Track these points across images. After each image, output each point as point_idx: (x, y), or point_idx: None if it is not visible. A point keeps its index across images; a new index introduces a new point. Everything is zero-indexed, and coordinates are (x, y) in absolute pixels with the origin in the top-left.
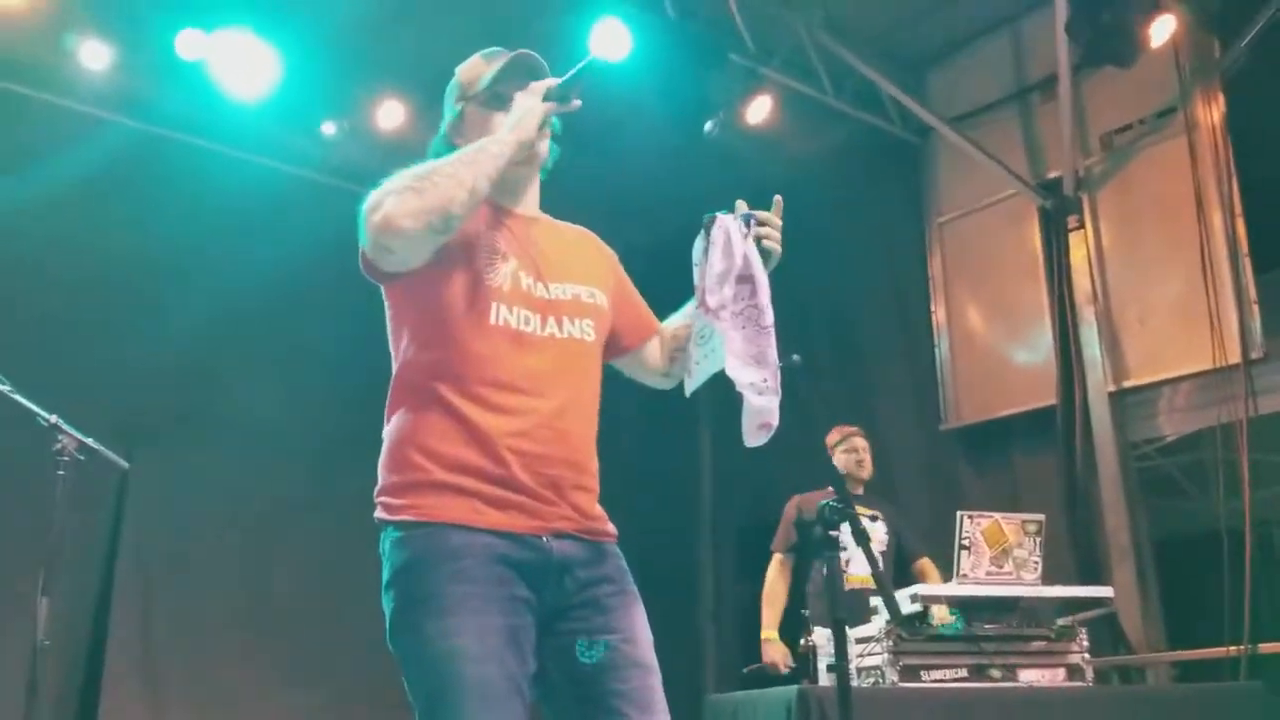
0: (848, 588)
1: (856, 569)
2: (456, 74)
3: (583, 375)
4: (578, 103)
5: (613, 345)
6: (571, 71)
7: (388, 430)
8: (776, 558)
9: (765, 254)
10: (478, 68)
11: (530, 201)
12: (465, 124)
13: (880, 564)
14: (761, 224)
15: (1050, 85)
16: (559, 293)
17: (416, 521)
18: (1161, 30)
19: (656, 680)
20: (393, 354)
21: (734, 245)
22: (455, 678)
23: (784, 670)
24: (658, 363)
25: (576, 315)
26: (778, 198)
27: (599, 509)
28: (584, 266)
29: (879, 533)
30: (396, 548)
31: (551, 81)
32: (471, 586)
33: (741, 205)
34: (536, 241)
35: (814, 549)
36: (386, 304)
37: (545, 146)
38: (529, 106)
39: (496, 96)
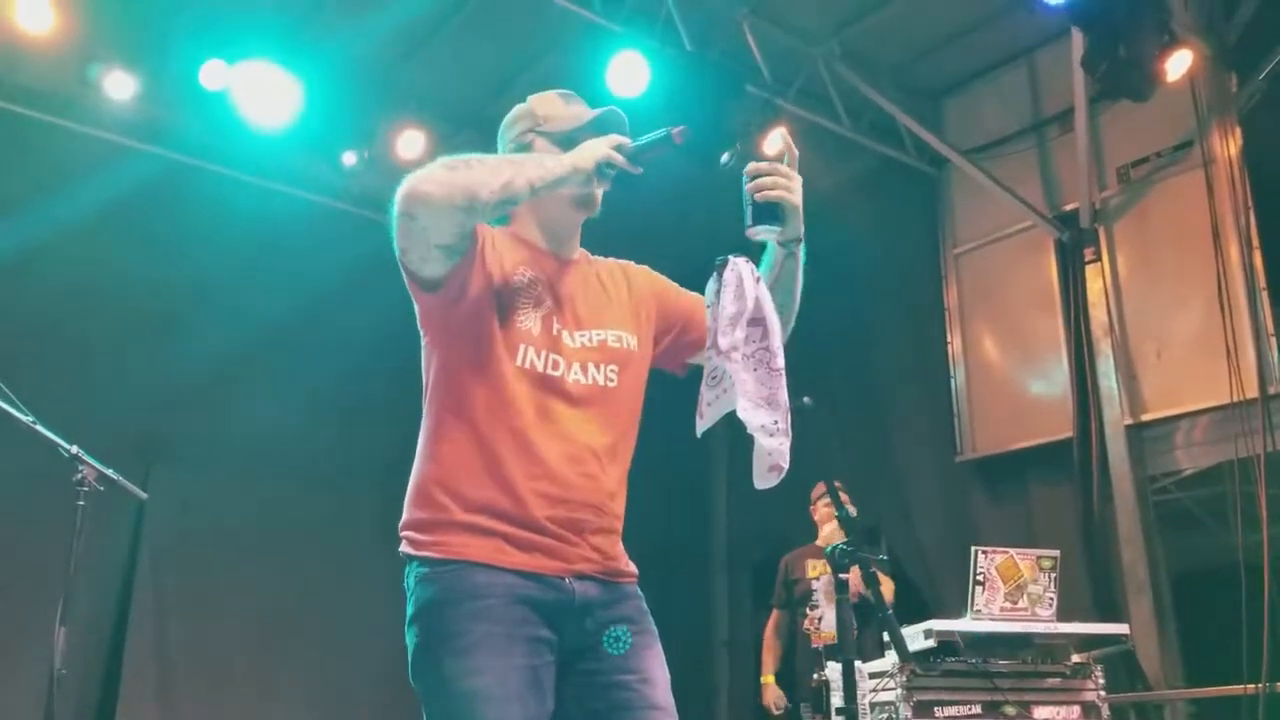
0: (819, 644)
1: (828, 626)
2: (529, 103)
3: (609, 421)
4: (640, 170)
5: (682, 351)
6: (648, 138)
7: (415, 464)
8: (774, 612)
9: (775, 209)
10: (556, 105)
11: (572, 246)
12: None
13: (889, 607)
14: (758, 175)
15: (1067, 118)
16: (584, 340)
17: (441, 559)
18: (1178, 64)
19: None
20: (423, 385)
21: (746, 288)
22: (475, 718)
23: (776, 712)
24: None
25: (602, 361)
26: (781, 130)
27: (620, 549)
28: (616, 309)
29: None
30: (421, 584)
31: (626, 140)
32: (494, 626)
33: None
34: (572, 287)
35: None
36: (422, 333)
37: (598, 198)
38: (594, 143)
39: (571, 141)
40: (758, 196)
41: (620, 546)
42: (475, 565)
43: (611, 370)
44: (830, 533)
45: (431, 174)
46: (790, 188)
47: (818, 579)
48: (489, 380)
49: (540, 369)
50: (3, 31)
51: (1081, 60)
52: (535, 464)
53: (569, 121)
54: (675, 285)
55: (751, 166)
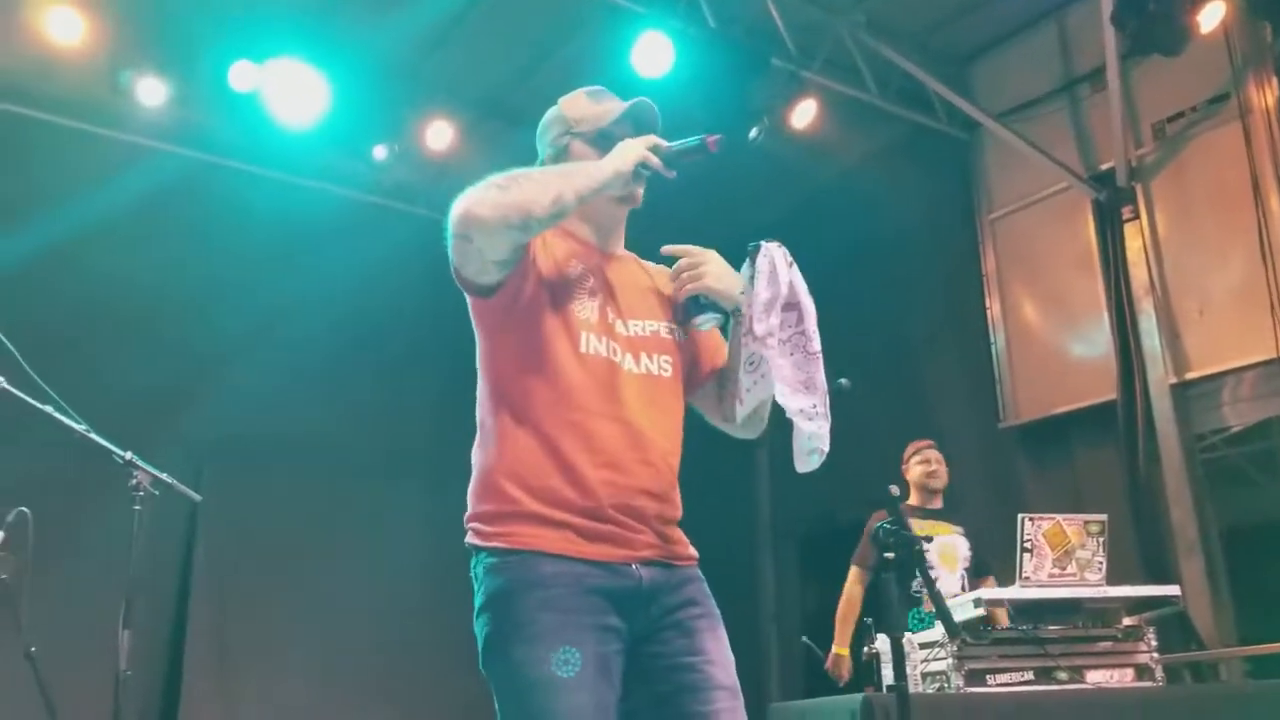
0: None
1: (943, 587)
2: (560, 107)
3: (664, 408)
4: (673, 174)
5: (690, 378)
6: (685, 143)
7: (478, 456)
8: (854, 570)
9: (698, 299)
10: (585, 104)
11: (618, 241)
12: (570, 158)
13: (935, 583)
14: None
15: (1098, 76)
16: (637, 329)
17: (509, 549)
18: (1211, 16)
19: (739, 703)
20: (480, 378)
21: (779, 273)
22: (546, 706)
23: (842, 683)
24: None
25: (655, 351)
26: (664, 249)
27: (679, 533)
28: (663, 303)
29: (961, 549)
30: (489, 574)
31: (662, 141)
32: (562, 615)
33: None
34: (621, 279)
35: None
36: (477, 331)
37: (640, 193)
38: (631, 143)
39: (605, 136)
40: (681, 295)
41: (680, 533)
42: (543, 555)
43: (665, 360)
44: (924, 495)
45: (484, 196)
46: (699, 275)
47: (929, 540)
48: (551, 371)
49: (604, 354)
50: (34, 43)
51: (1111, 17)
52: (599, 452)
53: (601, 119)
54: None
55: (670, 274)
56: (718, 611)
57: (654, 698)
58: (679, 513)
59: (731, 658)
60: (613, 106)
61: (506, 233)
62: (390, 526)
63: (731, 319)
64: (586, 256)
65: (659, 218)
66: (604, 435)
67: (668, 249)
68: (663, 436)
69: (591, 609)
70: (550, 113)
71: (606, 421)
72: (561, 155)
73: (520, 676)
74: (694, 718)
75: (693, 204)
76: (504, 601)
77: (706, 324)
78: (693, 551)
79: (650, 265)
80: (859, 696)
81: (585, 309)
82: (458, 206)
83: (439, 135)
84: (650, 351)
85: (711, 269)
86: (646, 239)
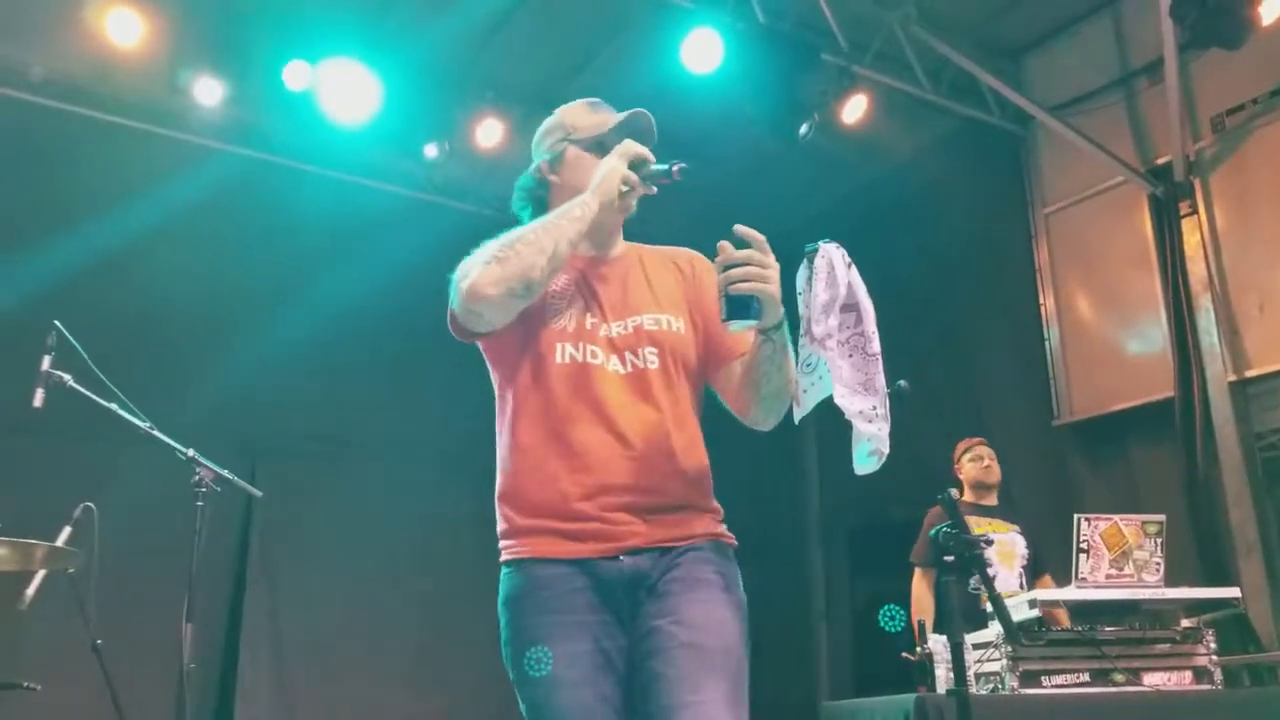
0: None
1: (1003, 586)
2: (558, 115)
3: (656, 403)
4: (654, 190)
5: (711, 358)
6: (667, 166)
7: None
8: (918, 572)
9: (750, 301)
10: (583, 114)
11: (615, 241)
12: (564, 163)
13: (995, 587)
14: (730, 266)
15: (1155, 69)
16: (620, 329)
17: (512, 559)
18: (1272, 8)
19: (710, 659)
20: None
21: (837, 274)
22: (550, 704)
23: None
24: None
25: (639, 345)
26: (738, 228)
27: (684, 517)
28: (657, 294)
29: (1019, 546)
30: (501, 585)
31: (647, 152)
32: (558, 615)
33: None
34: (612, 281)
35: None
36: (490, 371)
37: (633, 203)
38: (612, 167)
39: (600, 145)
40: (730, 290)
41: (695, 523)
42: (536, 561)
43: (650, 352)
44: (979, 492)
45: (488, 273)
46: (765, 277)
47: (989, 541)
48: (533, 387)
49: (580, 359)
50: (94, 45)
51: (1171, 9)
52: (575, 458)
53: (598, 128)
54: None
55: (722, 258)
56: (711, 577)
57: (633, 666)
58: (687, 496)
59: (711, 617)
60: (610, 117)
61: (512, 301)
62: (442, 521)
63: (760, 334)
64: (573, 267)
65: (709, 213)
66: (583, 440)
67: (741, 229)
68: (654, 433)
69: (585, 607)
70: (549, 120)
71: (585, 426)
72: (558, 161)
73: (527, 677)
74: (657, 679)
75: (744, 201)
76: (509, 608)
77: (740, 329)
78: (697, 531)
79: (651, 252)
80: (911, 696)
81: (561, 319)
82: (464, 283)
83: (489, 132)
84: (635, 347)
85: (772, 275)
86: (696, 231)
